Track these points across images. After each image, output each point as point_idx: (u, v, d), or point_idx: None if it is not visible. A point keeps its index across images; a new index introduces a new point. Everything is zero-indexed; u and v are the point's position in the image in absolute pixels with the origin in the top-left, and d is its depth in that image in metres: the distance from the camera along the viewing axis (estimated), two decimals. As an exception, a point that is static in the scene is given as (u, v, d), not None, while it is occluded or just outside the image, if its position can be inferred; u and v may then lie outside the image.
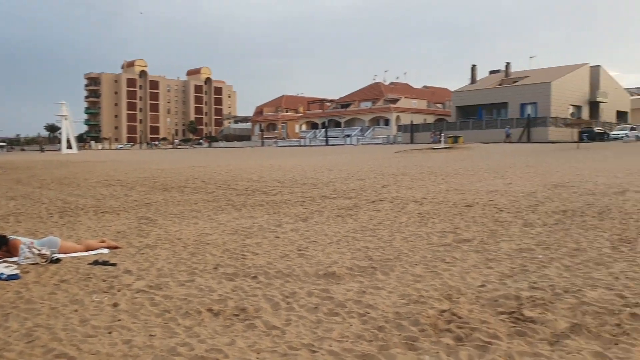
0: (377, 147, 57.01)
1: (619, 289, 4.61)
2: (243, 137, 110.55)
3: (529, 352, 3.31)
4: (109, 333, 3.90)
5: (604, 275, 5.10)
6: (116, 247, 7.10)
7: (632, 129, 57.06)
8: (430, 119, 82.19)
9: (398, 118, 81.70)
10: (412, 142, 66.87)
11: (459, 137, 55.60)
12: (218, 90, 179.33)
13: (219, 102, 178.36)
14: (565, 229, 7.74)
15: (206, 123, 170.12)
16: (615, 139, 51.77)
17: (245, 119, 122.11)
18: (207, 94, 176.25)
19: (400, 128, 76.37)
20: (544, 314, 3.95)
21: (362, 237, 7.60)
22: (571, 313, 4.00)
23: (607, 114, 71.56)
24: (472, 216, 9.22)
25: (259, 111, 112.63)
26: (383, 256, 6.25)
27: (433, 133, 63.86)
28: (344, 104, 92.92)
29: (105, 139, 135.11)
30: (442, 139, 48.20)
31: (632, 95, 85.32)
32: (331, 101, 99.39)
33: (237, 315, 4.26)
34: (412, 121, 74.81)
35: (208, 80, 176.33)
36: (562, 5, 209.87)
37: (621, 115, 75.43)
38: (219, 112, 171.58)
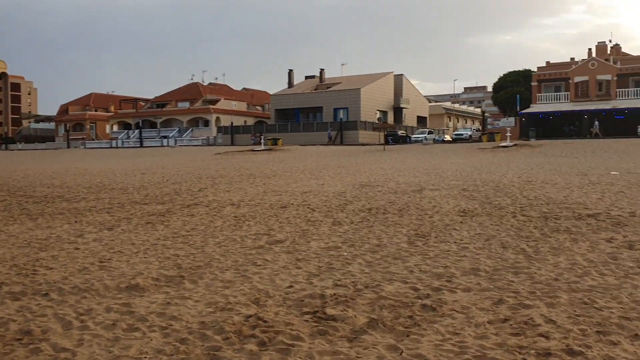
0: (196, 149, 55.99)
1: (413, 282, 5.00)
2: (46, 138, 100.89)
3: (329, 351, 3.41)
4: None
5: (400, 269, 5.50)
6: None
7: (429, 132, 63.50)
8: (251, 121, 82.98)
9: (218, 119, 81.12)
10: (232, 143, 66.83)
11: (279, 139, 56.93)
12: (15, 87, 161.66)
13: (16, 99, 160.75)
14: (369, 226, 8.25)
15: (1, 122, 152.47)
16: (416, 141, 57.18)
17: (48, 119, 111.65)
18: (2, 90, 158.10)
19: (220, 129, 75.91)
20: (345, 311, 4.11)
21: (173, 244, 7.31)
22: (370, 308, 4.22)
23: (409, 118, 78.79)
24: (287, 217, 9.41)
25: (64, 110, 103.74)
26: (193, 263, 6.07)
27: (253, 135, 64.52)
28: (159, 103, 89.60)
29: None
30: (262, 141, 48.85)
31: (430, 102, 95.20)
32: (146, 100, 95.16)
33: (19, 339, 3.78)
34: (232, 123, 74.82)
35: (3, 75, 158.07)
36: (369, 17, 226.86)
37: (421, 120, 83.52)
38: (16, 110, 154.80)
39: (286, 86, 79.54)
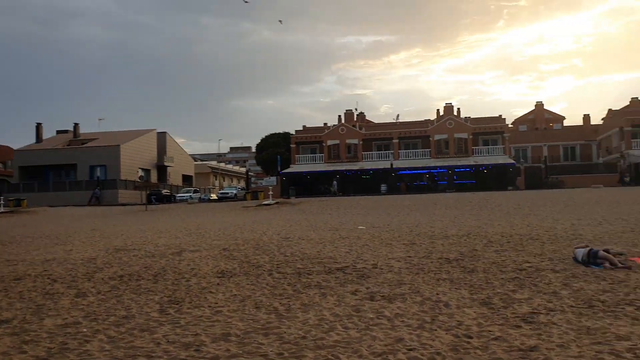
0: None
1: (159, 356, 4.64)
2: None
3: None
4: None
5: (146, 342, 5.09)
6: None
7: (195, 191, 63.41)
8: (-11, 180, 73.38)
9: (-55, 178, 69.96)
10: (-37, 206, 58.01)
11: (23, 200, 51.18)
12: None
13: None
14: (118, 295, 7.62)
15: None
16: (181, 200, 56.52)
17: None
18: None
19: (-52, 190, 65.55)
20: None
21: None
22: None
23: (174, 177, 77.82)
24: (20, 291, 8.24)
25: None
26: None
27: (-9, 196, 56.97)
28: None
29: None
30: (2, 202, 43.22)
31: (196, 161, 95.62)
32: None
33: None
34: (-37, 182, 65.22)
35: None
36: (132, 74, 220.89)
37: (187, 179, 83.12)
38: None
39: (34, 141, 72.63)
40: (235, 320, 5.90)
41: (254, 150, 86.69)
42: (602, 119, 69.22)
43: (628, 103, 68.26)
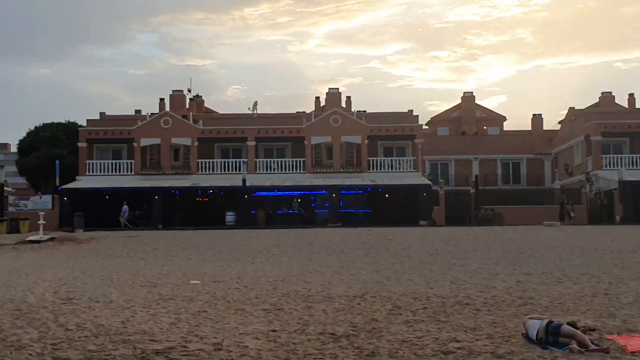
0: None
1: None
2: None
3: None
4: None
5: None
6: None
7: None
8: None
9: None
10: None
11: None
12: None
13: None
14: None
15: None
16: None
17: None
18: None
19: None
20: None
21: None
22: None
23: None
24: None
25: None
26: None
27: None
28: None
29: None
30: None
31: None
32: None
33: None
34: None
35: None
36: None
37: None
38: None
39: None
40: None
41: (14, 149, 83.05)
42: (560, 122, 73.04)
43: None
